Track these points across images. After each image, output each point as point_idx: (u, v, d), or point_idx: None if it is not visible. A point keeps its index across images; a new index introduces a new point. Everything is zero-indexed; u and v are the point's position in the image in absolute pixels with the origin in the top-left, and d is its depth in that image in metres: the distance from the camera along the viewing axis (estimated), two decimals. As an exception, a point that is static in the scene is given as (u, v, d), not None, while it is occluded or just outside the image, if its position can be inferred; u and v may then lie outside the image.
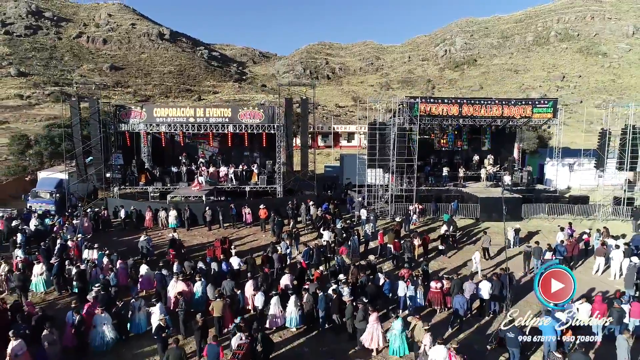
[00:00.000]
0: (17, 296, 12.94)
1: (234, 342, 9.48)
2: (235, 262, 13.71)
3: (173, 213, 20.58)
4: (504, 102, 23.68)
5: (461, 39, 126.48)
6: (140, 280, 12.76)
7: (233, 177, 23.92)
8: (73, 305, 10.73)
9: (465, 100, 24.09)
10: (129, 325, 11.10)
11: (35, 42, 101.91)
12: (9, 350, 9.22)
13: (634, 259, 14.06)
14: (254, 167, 24.77)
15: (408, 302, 12.14)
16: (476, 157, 27.34)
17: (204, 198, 21.31)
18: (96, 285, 11.85)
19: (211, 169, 24.30)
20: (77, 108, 21.03)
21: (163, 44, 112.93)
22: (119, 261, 13.60)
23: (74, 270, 13.27)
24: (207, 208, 20.85)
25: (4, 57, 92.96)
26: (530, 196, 22.92)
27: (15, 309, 11.23)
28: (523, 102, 23.86)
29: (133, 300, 11.46)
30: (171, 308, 11.78)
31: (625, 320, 10.78)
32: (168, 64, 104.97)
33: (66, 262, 13.94)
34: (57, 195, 21.82)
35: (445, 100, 23.76)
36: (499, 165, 26.48)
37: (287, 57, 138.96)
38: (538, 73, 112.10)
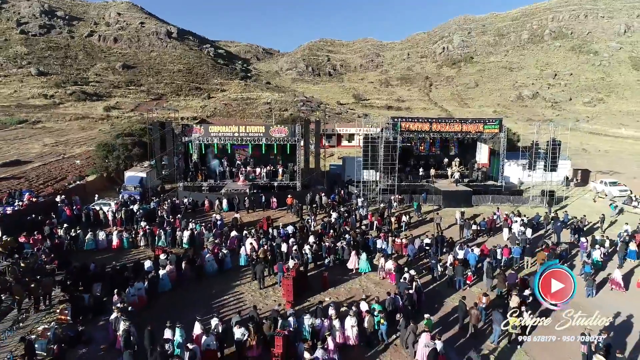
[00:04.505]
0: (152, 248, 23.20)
1: (291, 263, 19.66)
2: (290, 229, 24.05)
3: (224, 201, 30.80)
4: (462, 121, 33.83)
5: (459, 36, 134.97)
6: (231, 239, 23.05)
7: (265, 175, 34.07)
8: (206, 249, 20.97)
9: (434, 120, 34.27)
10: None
11: (49, 41, 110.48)
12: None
13: (522, 228, 24.36)
14: (279, 167, 34.90)
15: (382, 250, 22.46)
16: (446, 160, 37.54)
17: (247, 190, 31.45)
18: (211, 239, 22.13)
19: (248, 169, 34.52)
20: (157, 127, 31.22)
21: (171, 42, 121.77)
22: (214, 229, 23.87)
23: (184, 234, 23.54)
24: (246, 198, 31.01)
25: (23, 57, 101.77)
26: (480, 189, 33.09)
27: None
28: (476, 121, 33.99)
29: (225, 250, 21.64)
30: (247, 254, 21.93)
31: (498, 257, 20.93)
32: (177, 63, 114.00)
33: (176, 230, 24.10)
34: (140, 188, 31.95)
35: (420, 120, 33.91)
36: (462, 167, 36.61)
37: (289, 53, 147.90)
38: (531, 71, 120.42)
